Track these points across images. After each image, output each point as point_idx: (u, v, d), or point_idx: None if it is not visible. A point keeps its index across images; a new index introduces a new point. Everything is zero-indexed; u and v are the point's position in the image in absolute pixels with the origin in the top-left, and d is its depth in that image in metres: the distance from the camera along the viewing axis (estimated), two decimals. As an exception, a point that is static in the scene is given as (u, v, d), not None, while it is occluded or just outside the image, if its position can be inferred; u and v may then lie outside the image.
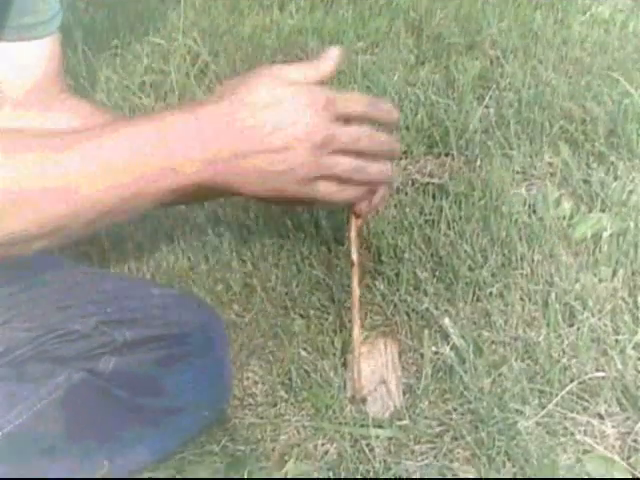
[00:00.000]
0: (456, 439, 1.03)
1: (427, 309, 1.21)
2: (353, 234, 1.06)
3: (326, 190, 0.93)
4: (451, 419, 1.06)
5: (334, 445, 1.04)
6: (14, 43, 1.03)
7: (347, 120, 0.92)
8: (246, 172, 0.87)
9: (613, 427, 1.04)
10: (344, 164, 0.92)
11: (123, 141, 0.83)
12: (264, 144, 0.86)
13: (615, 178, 1.46)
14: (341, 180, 0.93)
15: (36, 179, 0.79)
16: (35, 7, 1.03)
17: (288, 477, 1.00)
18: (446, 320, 1.18)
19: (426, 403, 1.08)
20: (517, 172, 1.52)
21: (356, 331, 1.07)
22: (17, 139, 0.81)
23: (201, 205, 1.42)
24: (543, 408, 1.06)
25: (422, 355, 1.14)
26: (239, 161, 0.86)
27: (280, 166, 0.88)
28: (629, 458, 1.01)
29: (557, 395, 1.07)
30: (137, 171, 0.83)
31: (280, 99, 0.87)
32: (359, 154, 0.94)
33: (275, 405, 1.10)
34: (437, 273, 1.27)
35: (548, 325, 1.17)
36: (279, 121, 0.87)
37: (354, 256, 1.06)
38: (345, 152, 0.92)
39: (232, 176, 0.87)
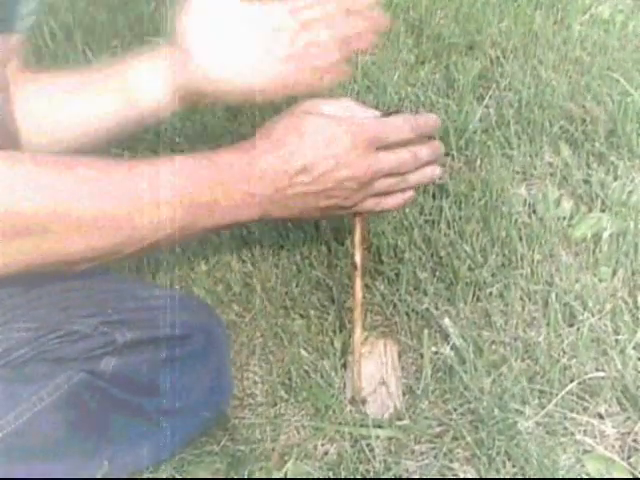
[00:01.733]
0: (456, 439, 1.03)
1: (427, 309, 1.21)
2: (358, 237, 1.06)
3: (368, 206, 1.00)
4: (451, 419, 1.06)
5: (334, 445, 1.04)
6: None
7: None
8: (295, 209, 0.94)
9: (613, 427, 1.05)
10: (388, 184, 0.98)
11: (180, 173, 0.87)
12: (311, 185, 0.92)
13: (615, 178, 1.46)
14: (383, 195, 1.00)
15: (90, 203, 0.83)
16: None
17: (288, 477, 1.00)
18: (446, 320, 1.18)
19: (426, 403, 1.08)
20: (517, 172, 1.52)
21: (357, 333, 1.07)
22: (73, 159, 0.85)
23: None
24: (543, 408, 1.06)
25: (422, 355, 1.14)
26: (288, 200, 0.93)
27: (327, 202, 0.95)
28: (629, 458, 1.01)
29: (557, 395, 1.07)
30: (193, 204, 0.88)
31: (327, 140, 0.92)
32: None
33: (275, 405, 1.10)
34: (437, 273, 1.27)
35: (548, 325, 1.17)
36: (327, 163, 0.92)
37: (357, 259, 1.06)
38: (390, 175, 0.97)
39: (281, 211, 0.94)
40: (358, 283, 1.07)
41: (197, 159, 0.89)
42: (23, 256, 0.83)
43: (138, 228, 0.86)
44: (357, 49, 1.08)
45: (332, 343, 1.16)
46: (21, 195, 0.80)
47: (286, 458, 1.02)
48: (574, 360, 1.12)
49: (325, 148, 0.92)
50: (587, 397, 1.07)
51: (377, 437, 1.03)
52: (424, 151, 0.99)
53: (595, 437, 1.03)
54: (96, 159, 0.87)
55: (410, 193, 1.02)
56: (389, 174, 0.97)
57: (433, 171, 1.02)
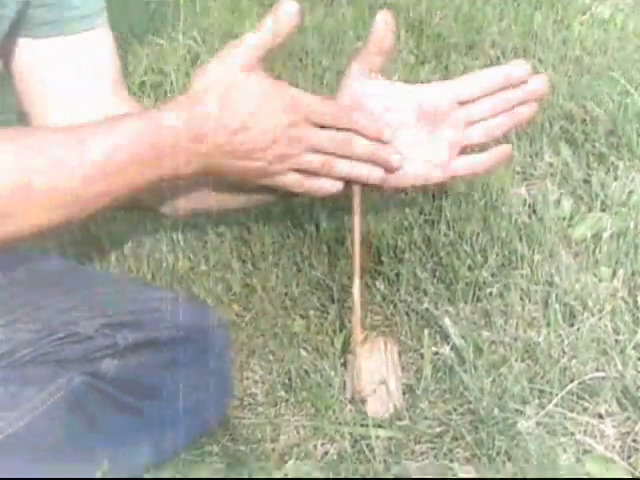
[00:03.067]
0: (456, 439, 1.03)
1: (427, 309, 1.21)
2: (357, 205, 1.05)
3: (291, 180, 0.98)
4: (451, 419, 1.06)
5: (334, 445, 1.04)
6: (63, 37, 1.07)
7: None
8: (229, 166, 0.95)
9: (613, 427, 1.04)
10: (313, 161, 0.97)
11: (128, 134, 0.90)
12: (245, 144, 0.93)
13: (615, 178, 1.46)
14: (309, 173, 0.98)
15: (46, 178, 0.87)
16: (76, 3, 1.07)
17: (288, 477, 1.00)
18: (446, 320, 1.18)
19: (426, 403, 1.08)
20: (517, 172, 1.52)
21: (356, 326, 1.07)
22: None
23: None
24: (543, 408, 1.06)
25: (422, 355, 1.14)
26: (225, 157, 0.94)
27: (256, 163, 0.95)
28: (629, 458, 1.01)
29: (557, 395, 1.07)
30: (141, 164, 0.91)
31: (266, 102, 0.93)
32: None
33: (275, 405, 1.10)
34: (437, 273, 1.27)
35: (548, 325, 1.17)
36: (262, 124, 0.93)
37: (356, 236, 1.05)
38: (316, 151, 0.97)
39: (218, 168, 0.96)
40: (357, 283, 1.06)
41: (143, 119, 0.91)
42: None
43: (90, 194, 0.90)
44: (520, 121, 1.05)
45: (332, 343, 1.16)
46: None
47: (286, 458, 1.02)
48: (574, 360, 1.12)
49: (261, 109, 0.92)
50: (587, 397, 1.07)
51: (377, 437, 1.03)
52: (361, 142, 0.97)
53: (595, 437, 1.03)
54: (47, 129, 0.91)
55: (338, 184, 1.00)
56: (315, 150, 0.96)
57: (371, 171, 1.00)
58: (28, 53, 1.07)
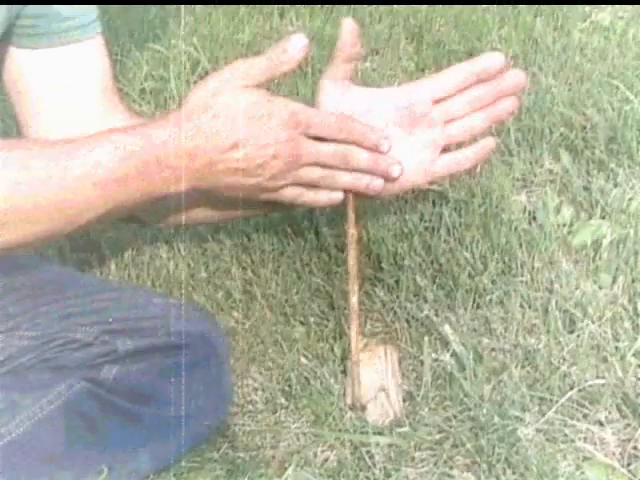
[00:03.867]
0: (456, 446, 1.03)
1: (427, 316, 1.21)
2: (351, 216, 1.04)
3: (291, 194, 0.98)
4: (451, 426, 1.05)
5: (334, 452, 1.04)
6: (56, 48, 1.07)
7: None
8: (223, 184, 0.95)
9: (613, 434, 1.04)
10: (313, 174, 0.97)
11: (115, 151, 0.89)
12: (240, 163, 0.92)
13: (615, 185, 1.46)
14: (308, 186, 0.98)
15: (29, 192, 0.87)
16: (69, 13, 1.06)
17: (288, 484, 1.00)
18: (446, 327, 1.18)
19: (426, 410, 1.08)
20: (517, 179, 1.52)
21: (354, 333, 1.07)
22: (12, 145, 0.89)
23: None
24: (543, 415, 1.06)
25: (422, 362, 1.14)
26: (217, 175, 0.93)
27: (252, 180, 0.94)
28: (629, 465, 1.01)
29: (557, 402, 1.07)
30: (127, 181, 0.89)
31: (259, 117, 0.92)
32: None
33: (275, 412, 1.10)
34: (437, 280, 1.27)
35: (548, 332, 1.17)
36: (257, 141, 0.92)
37: (351, 230, 1.05)
38: (315, 164, 0.96)
39: (210, 185, 0.95)
40: (355, 291, 1.06)
41: (131, 135, 0.90)
42: None
43: (76, 209, 0.89)
44: (500, 116, 1.05)
45: (332, 350, 1.16)
46: None
47: (286, 465, 1.02)
48: (574, 367, 1.12)
49: (257, 126, 0.91)
50: (587, 404, 1.07)
51: (377, 444, 1.03)
52: (362, 155, 0.97)
53: (595, 444, 1.03)
54: (33, 142, 0.90)
55: (338, 194, 1.00)
56: (315, 164, 0.96)
57: (371, 181, 0.99)
58: (19, 63, 1.07)
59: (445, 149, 1.03)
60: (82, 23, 1.07)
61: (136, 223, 1.23)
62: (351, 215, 1.04)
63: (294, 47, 0.93)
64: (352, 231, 1.05)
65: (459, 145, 1.05)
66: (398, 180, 1.01)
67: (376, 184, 1.00)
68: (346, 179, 0.98)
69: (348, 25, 0.99)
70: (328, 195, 1.00)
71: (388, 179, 1.00)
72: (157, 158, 0.89)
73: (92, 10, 1.09)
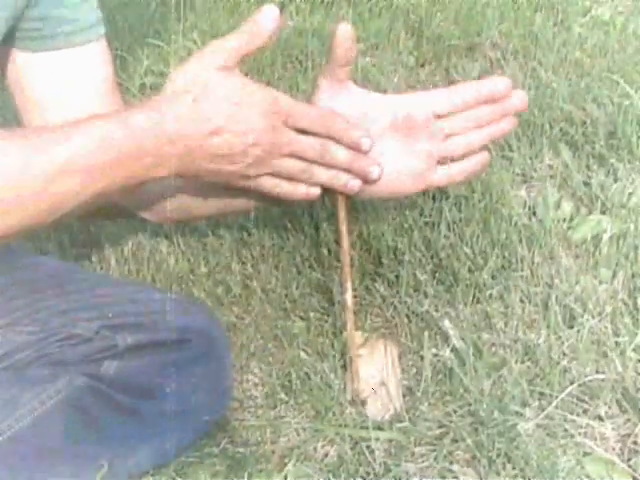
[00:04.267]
0: (456, 441, 1.03)
1: (427, 311, 1.21)
2: (342, 218, 1.04)
3: (267, 183, 0.97)
4: (451, 421, 1.05)
5: (334, 447, 1.04)
6: (60, 51, 1.06)
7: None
8: (203, 170, 0.93)
9: (613, 429, 1.04)
10: (291, 166, 0.96)
11: (96, 138, 0.87)
12: (219, 148, 0.91)
13: (615, 180, 1.46)
14: (285, 178, 0.97)
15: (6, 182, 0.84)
16: (73, 16, 1.06)
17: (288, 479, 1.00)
18: (446, 322, 1.18)
19: (426, 405, 1.08)
20: (517, 174, 1.53)
21: (351, 333, 1.07)
22: None
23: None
24: (543, 410, 1.06)
25: (422, 357, 1.14)
26: (197, 161, 0.92)
27: (231, 167, 0.94)
28: (629, 460, 1.01)
29: (557, 397, 1.07)
30: (107, 168, 0.88)
31: (241, 104, 0.91)
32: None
33: (275, 407, 1.10)
34: (437, 275, 1.27)
35: (548, 327, 1.17)
36: (238, 128, 0.91)
37: (344, 241, 1.05)
38: (294, 156, 0.95)
39: (189, 171, 0.94)
40: (349, 290, 1.06)
41: (111, 122, 0.88)
42: None
43: (56, 198, 0.87)
44: (499, 134, 1.04)
45: (332, 345, 1.16)
46: None
47: (286, 460, 1.02)
48: (574, 362, 1.12)
49: (238, 112, 0.90)
50: (587, 399, 1.07)
51: (377, 439, 1.03)
52: (341, 152, 0.96)
53: (595, 439, 1.03)
54: (13, 131, 0.88)
55: (315, 190, 0.99)
56: (294, 155, 0.95)
57: (349, 180, 0.98)
58: (22, 65, 1.07)
59: (440, 163, 1.03)
60: (86, 26, 1.07)
61: (125, 217, 1.22)
62: (342, 215, 1.04)
63: (266, 18, 0.92)
64: (343, 230, 1.05)
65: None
66: (387, 185, 1.01)
67: (354, 184, 0.99)
68: (324, 175, 0.98)
69: (343, 29, 0.98)
70: (306, 189, 0.99)
71: (367, 180, 0.99)
72: (137, 145, 0.88)
73: (96, 12, 1.09)
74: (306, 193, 0.99)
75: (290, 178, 0.97)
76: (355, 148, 0.97)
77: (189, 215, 1.14)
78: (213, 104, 0.90)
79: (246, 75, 0.93)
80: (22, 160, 0.84)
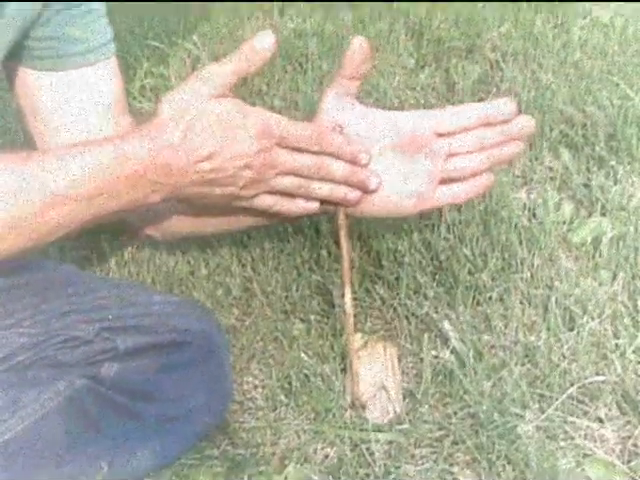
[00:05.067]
0: (456, 443, 1.03)
1: (427, 313, 1.21)
2: (343, 231, 1.05)
3: (265, 202, 0.98)
4: (451, 423, 1.06)
5: (334, 449, 1.04)
6: (70, 71, 1.07)
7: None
8: (194, 194, 0.95)
9: (613, 431, 1.05)
10: (288, 183, 0.97)
11: (89, 165, 0.88)
12: (210, 173, 0.92)
13: (615, 182, 1.46)
14: (283, 195, 0.98)
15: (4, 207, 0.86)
16: (84, 36, 1.07)
17: (288, 481, 1.00)
18: (446, 324, 1.18)
19: (426, 407, 1.08)
20: (517, 176, 1.53)
21: (350, 337, 1.07)
22: None
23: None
24: (543, 412, 1.06)
25: (422, 359, 1.14)
26: (189, 186, 0.93)
27: (224, 190, 0.95)
28: (629, 462, 1.01)
29: (557, 399, 1.07)
30: (100, 195, 0.89)
31: (232, 128, 0.91)
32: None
33: (275, 409, 1.10)
34: (437, 277, 1.27)
35: (548, 329, 1.17)
36: (229, 152, 0.91)
37: (345, 251, 1.05)
38: (290, 173, 0.96)
39: (181, 195, 0.95)
40: (348, 295, 1.06)
41: (104, 148, 0.89)
42: None
43: (52, 223, 0.88)
44: (503, 159, 1.04)
45: (332, 347, 1.16)
46: None
47: (286, 462, 1.02)
48: (574, 364, 1.12)
49: (229, 136, 0.91)
50: (587, 401, 1.07)
51: (377, 441, 1.03)
52: (337, 166, 0.97)
53: (595, 441, 1.03)
54: (11, 155, 0.88)
55: (314, 204, 1.00)
56: (289, 173, 0.96)
57: (347, 192, 0.99)
58: (31, 83, 1.07)
59: (442, 183, 1.03)
60: (96, 45, 1.08)
61: (129, 235, 1.23)
62: (342, 229, 1.04)
63: (262, 44, 0.92)
64: (344, 243, 1.05)
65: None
66: (387, 204, 1.02)
67: (353, 196, 1.00)
68: (321, 189, 0.98)
69: (357, 43, 0.98)
70: (304, 204, 1.00)
71: (366, 191, 1.00)
72: (131, 172, 0.89)
73: (107, 31, 1.09)
74: (304, 207, 1.00)
75: (289, 194, 0.98)
76: (353, 162, 0.97)
77: (194, 233, 1.15)
78: (205, 130, 0.90)
79: (237, 96, 0.94)
80: (13, 188, 0.85)
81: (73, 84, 1.07)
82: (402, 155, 1.01)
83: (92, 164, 0.88)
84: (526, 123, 1.02)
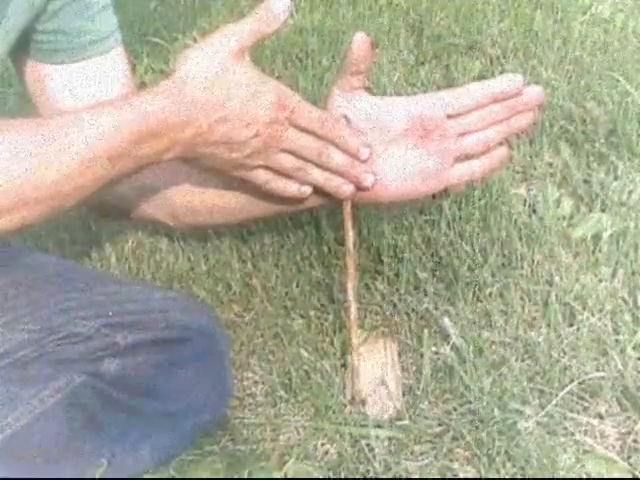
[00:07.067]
0: (456, 439, 1.03)
1: (427, 309, 1.21)
2: (349, 223, 1.05)
3: (261, 176, 0.98)
4: (451, 419, 1.06)
5: (334, 445, 1.04)
6: (80, 62, 1.08)
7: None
8: (208, 156, 0.94)
9: (613, 427, 1.05)
10: (286, 162, 0.97)
11: (109, 126, 0.87)
12: (225, 135, 0.92)
13: (615, 178, 1.46)
14: (279, 173, 0.98)
15: (26, 174, 0.84)
16: (92, 27, 1.07)
17: (288, 477, 1.00)
18: (446, 320, 1.18)
19: (426, 403, 1.08)
20: (517, 172, 1.52)
21: (352, 331, 1.07)
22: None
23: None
24: (543, 408, 1.06)
25: (422, 355, 1.14)
26: (204, 146, 0.92)
27: (232, 154, 0.94)
28: (629, 458, 1.01)
29: (557, 395, 1.07)
30: (122, 154, 0.88)
31: (251, 94, 0.91)
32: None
33: (275, 405, 1.10)
34: (437, 273, 1.27)
35: (548, 325, 1.17)
36: (244, 117, 0.91)
37: (350, 242, 1.05)
38: (291, 152, 0.96)
39: (196, 155, 0.94)
40: (351, 271, 1.06)
41: (125, 108, 0.88)
42: None
43: (69, 189, 0.87)
44: (515, 131, 1.04)
45: (332, 343, 1.16)
46: None
47: (286, 458, 1.02)
48: (574, 360, 1.12)
49: (245, 102, 0.91)
50: (587, 397, 1.07)
51: (377, 437, 1.03)
52: (337, 156, 0.97)
53: (595, 437, 1.03)
54: (22, 122, 0.87)
55: (307, 188, 1.00)
56: (291, 152, 0.96)
57: (342, 184, 0.99)
58: (40, 76, 1.07)
59: (457, 161, 1.03)
60: (101, 36, 1.08)
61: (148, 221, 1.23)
62: (347, 220, 1.04)
63: (278, 4, 0.92)
64: (349, 234, 1.05)
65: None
66: (400, 188, 1.02)
67: (346, 189, 1.00)
68: (318, 175, 0.99)
69: (358, 38, 0.98)
70: (298, 187, 1.00)
71: (360, 187, 1.00)
72: (148, 129, 0.88)
73: (113, 19, 1.09)
74: (298, 190, 1.00)
75: (284, 174, 0.98)
76: (353, 156, 0.97)
77: (205, 222, 1.14)
78: (224, 91, 0.90)
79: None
80: (35, 154, 0.84)
81: (85, 74, 1.07)
82: (413, 139, 1.01)
83: (110, 123, 0.86)
84: (535, 93, 1.02)
